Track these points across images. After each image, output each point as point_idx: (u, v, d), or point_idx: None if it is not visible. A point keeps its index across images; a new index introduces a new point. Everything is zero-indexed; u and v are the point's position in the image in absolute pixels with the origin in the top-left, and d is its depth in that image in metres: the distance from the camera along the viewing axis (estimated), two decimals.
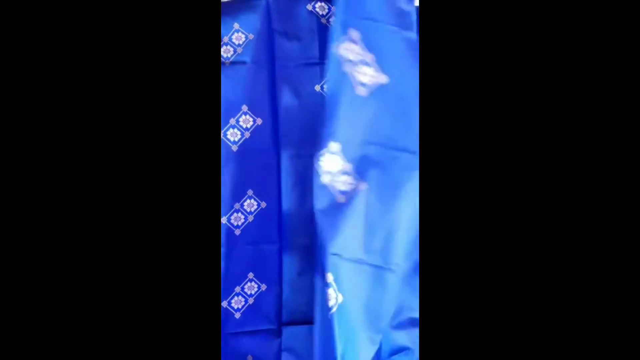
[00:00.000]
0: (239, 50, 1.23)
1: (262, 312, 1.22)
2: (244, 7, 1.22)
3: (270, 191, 1.22)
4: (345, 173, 1.07)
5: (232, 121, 1.22)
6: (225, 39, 1.21)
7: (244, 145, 1.22)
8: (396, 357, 1.17)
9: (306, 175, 1.14)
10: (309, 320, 1.13)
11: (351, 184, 1.08)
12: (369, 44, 1.07)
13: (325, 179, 1.07)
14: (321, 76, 1.20)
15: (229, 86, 1.20)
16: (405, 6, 1.09)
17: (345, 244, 1.04)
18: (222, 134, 1.21)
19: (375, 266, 1.06)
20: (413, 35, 1.09)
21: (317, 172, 1.07)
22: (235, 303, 1.23)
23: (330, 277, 1.03)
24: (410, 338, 1.17)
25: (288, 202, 1.20)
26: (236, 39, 1.22)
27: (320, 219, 1.06)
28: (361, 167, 1.08)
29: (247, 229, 1.22)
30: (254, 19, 1.22)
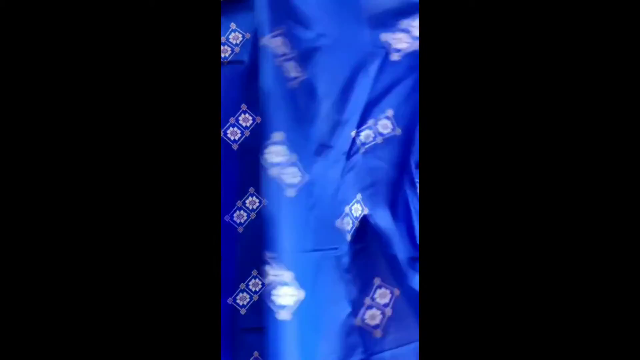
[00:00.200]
0: (237, 49, 1.24)
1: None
2: (241, 6, 1.23)
3: None
4: (292, 165, 1.12)
5: (232, 120, 1.23)
6: (222, 39, 1.22)
7: (244, 144, 1.23)
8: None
9: None
10: None
11: (298, 176, 1.13)
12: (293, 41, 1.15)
13: (273, 172, 1.12)
14: None
15: (228, 85, 1.20)
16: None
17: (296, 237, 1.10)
18: (222, 133, 1.22)
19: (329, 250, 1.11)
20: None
21: (264, 167, 1.12)
22: (240, 300, 1.24)
23: (288, 276, 1.09)
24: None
25: None
26: (233, 38, 1.23)
27: (270, 214, 1.11)
28: (305, 158, 1.13)
29: (249, 226, 1.24)
30: (251, 18, 1.23)
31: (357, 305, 1.12)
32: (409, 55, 1.19)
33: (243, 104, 1.23)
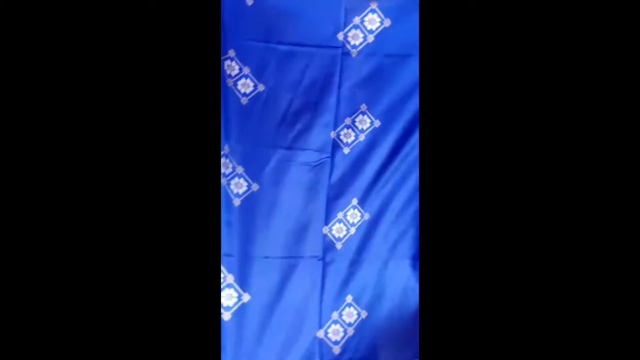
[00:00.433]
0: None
1: None
2: None
3: None
4: (237, 176, 1.19)
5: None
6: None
7: None
8: None
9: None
10: None
11: (244, 186, 1.20)
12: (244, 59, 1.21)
13: (223, 181, 1.19)
14: None
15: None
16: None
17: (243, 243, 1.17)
18: None
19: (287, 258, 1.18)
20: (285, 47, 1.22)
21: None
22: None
23: (230, 278, 1.15)
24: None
25: None
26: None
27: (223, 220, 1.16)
28: (252, 169, 1.20)
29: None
30: None
31: (323, 318, 1.16)
32: (366, 48, 1.21)
33: None
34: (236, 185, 1.19)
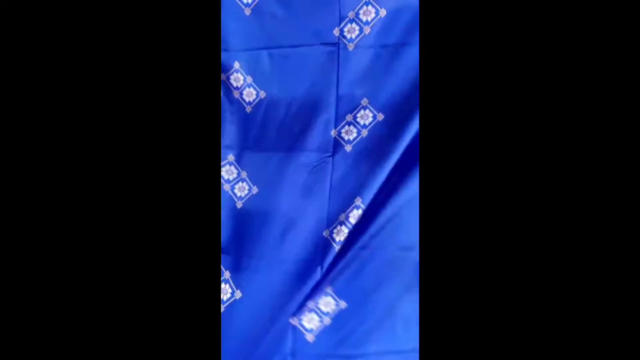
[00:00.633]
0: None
1: None
2: None
3: None
4: (241, 180, 1.26)
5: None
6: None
7: None
8: None
9: None
10: None
11: (246, 189, 1.26)
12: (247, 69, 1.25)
13: (225, 187, 1.27)
14: None
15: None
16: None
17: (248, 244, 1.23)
18: None
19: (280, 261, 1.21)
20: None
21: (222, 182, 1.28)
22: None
23: (227, 274, 1.23)
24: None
25: None
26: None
27: (224, 223, 1.25)
28: (254, 174, 1.26)
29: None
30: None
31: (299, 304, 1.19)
32: (363, 40, 1.17)
33: None
34: (240, 189, 1.26)
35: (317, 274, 1.18)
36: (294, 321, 1.18)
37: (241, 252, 1.23)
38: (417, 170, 1.11)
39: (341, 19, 1.17)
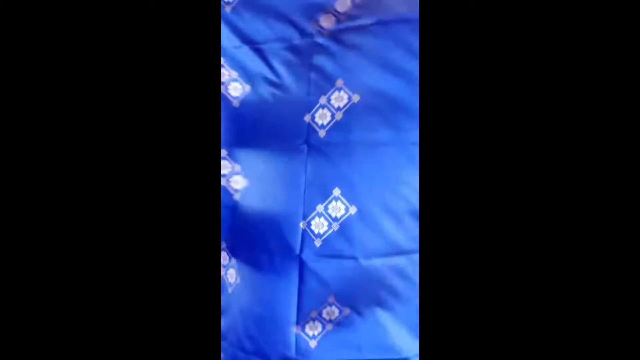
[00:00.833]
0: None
1: None
2: None
3: None
4: (236, 174, 1.23)
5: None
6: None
7: None
8: None
9: None
10: None
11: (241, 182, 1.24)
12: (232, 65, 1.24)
13: (223, 181, 1.26)
14: None
15: None
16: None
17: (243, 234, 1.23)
18: None
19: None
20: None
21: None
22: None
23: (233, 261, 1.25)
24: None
25: None
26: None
27: (224, 214, 1.25)
28: (246, 167, 1.23)
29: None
30: None
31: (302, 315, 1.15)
32: (337, 25, 1.10)
33: None
34: (235, 182, 1.25)
35: (296, 267, 1.14)
36: (296, 329, 1.16)
37: (238, 242, 1.25)
38: (409, 160, 1.07)
39: (318, 8, 1.11)
